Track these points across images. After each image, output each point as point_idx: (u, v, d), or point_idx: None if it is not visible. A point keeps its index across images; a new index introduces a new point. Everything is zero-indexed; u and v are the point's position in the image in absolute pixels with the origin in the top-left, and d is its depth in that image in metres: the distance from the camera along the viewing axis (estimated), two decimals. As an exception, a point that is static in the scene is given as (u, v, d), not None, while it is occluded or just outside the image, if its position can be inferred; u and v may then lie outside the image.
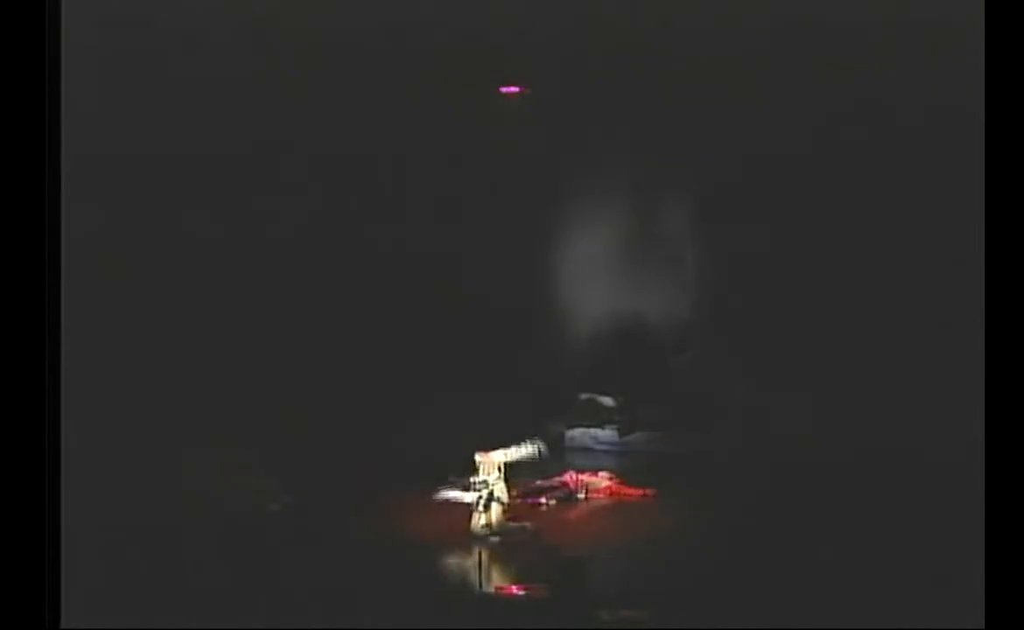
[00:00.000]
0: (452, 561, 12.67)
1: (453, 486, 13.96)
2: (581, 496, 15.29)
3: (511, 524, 13.56)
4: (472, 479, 13.63)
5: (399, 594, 11.31)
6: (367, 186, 18.38)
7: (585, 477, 15.46)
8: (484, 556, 12.71)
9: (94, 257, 15.50)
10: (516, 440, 14.28)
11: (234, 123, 17.48)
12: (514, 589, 11.95)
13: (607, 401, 18.48)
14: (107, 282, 16.20)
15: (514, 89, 18.35)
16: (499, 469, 13.64)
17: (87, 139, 13.61)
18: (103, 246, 16.34)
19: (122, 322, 16.44)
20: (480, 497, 13.48)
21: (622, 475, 15.61)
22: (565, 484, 15.29)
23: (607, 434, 17.94)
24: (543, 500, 14.13)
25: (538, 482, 14.02)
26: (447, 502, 13.86)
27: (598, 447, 17.51)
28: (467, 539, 13.19)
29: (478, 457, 13.73)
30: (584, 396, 18.49)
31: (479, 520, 13.43)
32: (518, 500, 14.07)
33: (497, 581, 12.23)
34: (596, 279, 19.05)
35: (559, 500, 14.86)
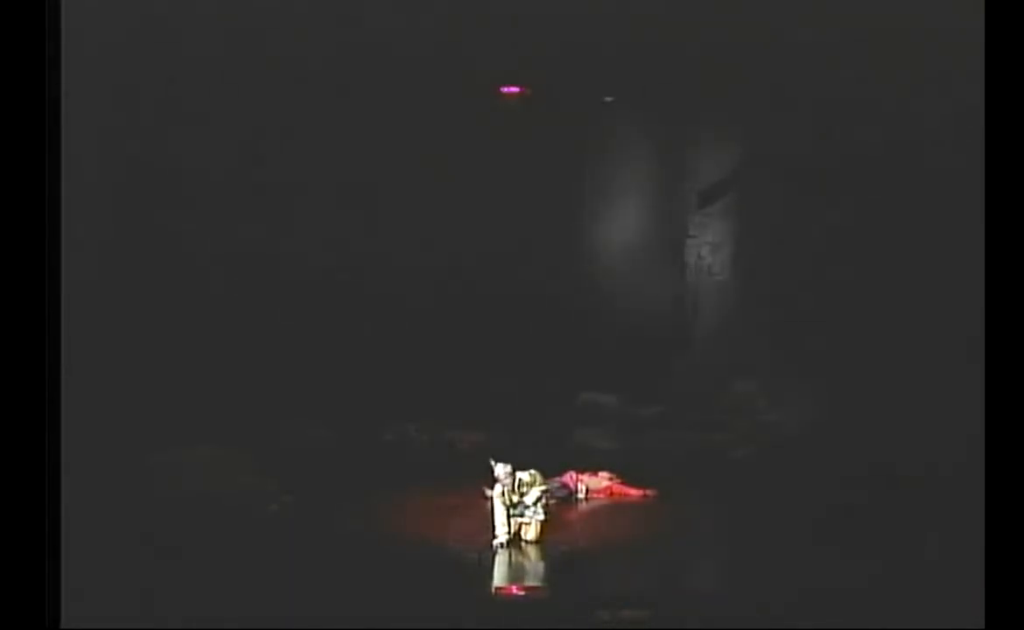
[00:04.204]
0: (453, 562, 12.63)
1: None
2: (581, 496, 15.30)
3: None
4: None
5: (399, 594, 11.31)
6: (366, 185, 18.39)
7: (585, 477, 15.47)
8: (484, 556, 12.71)
9: (93, 258, 15.49)
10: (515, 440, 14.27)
11: (231, 123, 17.48)
12: (514, 589, 11.95)
13: (608, 401, 18.51)
14: (107, 283, 16.20)
15: (514, 89, 18.37)
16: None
17: (87, 140, 13.59)
18: (101, 247, 16.34)
19: (122, 322, 16.44)
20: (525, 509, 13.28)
21: (622, 475, 15.61)
22: (565, 484, 15.29)
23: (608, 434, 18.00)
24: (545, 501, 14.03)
25: (538, 482, 13.96)
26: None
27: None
28: (467, 540, 13.14)
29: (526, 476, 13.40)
30: (584, 396, 18.52)
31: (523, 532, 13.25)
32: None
33: (497, 581, 12.22)
34: (597, 278, 19.09)
35: (559, 500, 14.85)
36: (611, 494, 15.39)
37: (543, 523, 13.23)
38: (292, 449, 16.66)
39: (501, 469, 13.23)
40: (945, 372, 15.72)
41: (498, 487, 13.16)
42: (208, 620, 10.36)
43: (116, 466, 14.43)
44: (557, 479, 15.18)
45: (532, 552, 12.97)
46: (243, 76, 17.26)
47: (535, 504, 13.19)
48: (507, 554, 12.88)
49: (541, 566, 12.64)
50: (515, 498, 13.14)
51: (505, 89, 18.37)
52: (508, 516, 13.09)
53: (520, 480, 13.20)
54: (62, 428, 8.95)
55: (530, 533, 13.16)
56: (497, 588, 12.02)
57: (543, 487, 13.33)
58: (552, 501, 14.32)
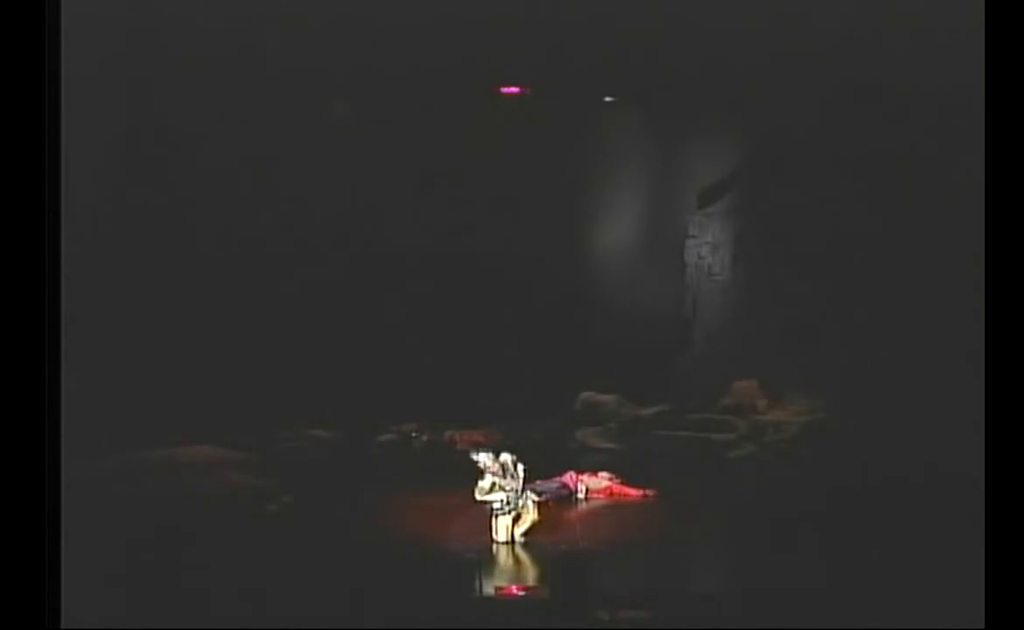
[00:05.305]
0: (452, 562, 12.62)
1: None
2: (581, 496, 15.30)
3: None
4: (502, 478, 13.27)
5: (399, 594, 11.30)
6: (366, 186, 18.40)
7: (585, 477, 15.47)
8: (484, 557, 12.71)
9: (92, 258, 15.47)
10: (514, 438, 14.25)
11: (230, 122, 17.48)
12: (514, 589, 11.94)
13: (608, 401, 18.52)
14: (107, 283, 16.19)
15: (514, 89, 18.37)
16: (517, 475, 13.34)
17: (85, 140, 13.57)
18: (100, 246, 16.32)
19: (122, 322, 16.44)
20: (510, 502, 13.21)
21: (622, 475, 15.61)
22: (565, 484, 15.29)
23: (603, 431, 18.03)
24: (543, 500, 14.05)
25: (538, 482, 13.99)
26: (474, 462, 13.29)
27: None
28: (467, 540, 13.13)
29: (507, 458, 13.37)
30: (584, 396, 18.53)
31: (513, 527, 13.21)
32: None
33: (497, 581, 12.21)
34: (597, 278, 19.09)
35: (559, 500, 14.85)
36: (611, 494, 15.39)
37: (537, 504, 13.26)
38: (292, 449, 16.68)
39: (484, 457, 13.23)
40: (945, 372, 15.72)
41: (488, 479, 13.11)
42: (208, 620, 10.35)
43: (116, 466, 14.42)
44: (557, 479, 15.19)
45: (532, 551, 12.96)
46: (243, 74, 17.24)
47: (526, 486, 13.19)
48: (507, 554, 12.89)
49: (541, 566, 12.63)
50: (510, 481, 13.09)
51: (505, 89, 18.37)
52: (507, 508, 13.08)
53: (505, 462, 13.18)
54: (62, 428, 8.94)
55: (529, 517, 13.16)
56: (497, 588, 12.01)
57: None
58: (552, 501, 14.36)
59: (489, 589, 11.87)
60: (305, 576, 11.74)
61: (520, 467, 13.20)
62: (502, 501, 13.07)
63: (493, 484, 13.11)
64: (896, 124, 16.96)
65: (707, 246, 19.26)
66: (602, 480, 15.50)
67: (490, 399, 17.15)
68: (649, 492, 15.32)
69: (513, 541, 13.06)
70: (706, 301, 19.25)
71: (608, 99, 18.62)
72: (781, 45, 16.66)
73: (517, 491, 13.11)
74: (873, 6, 16.07)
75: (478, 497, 13.14)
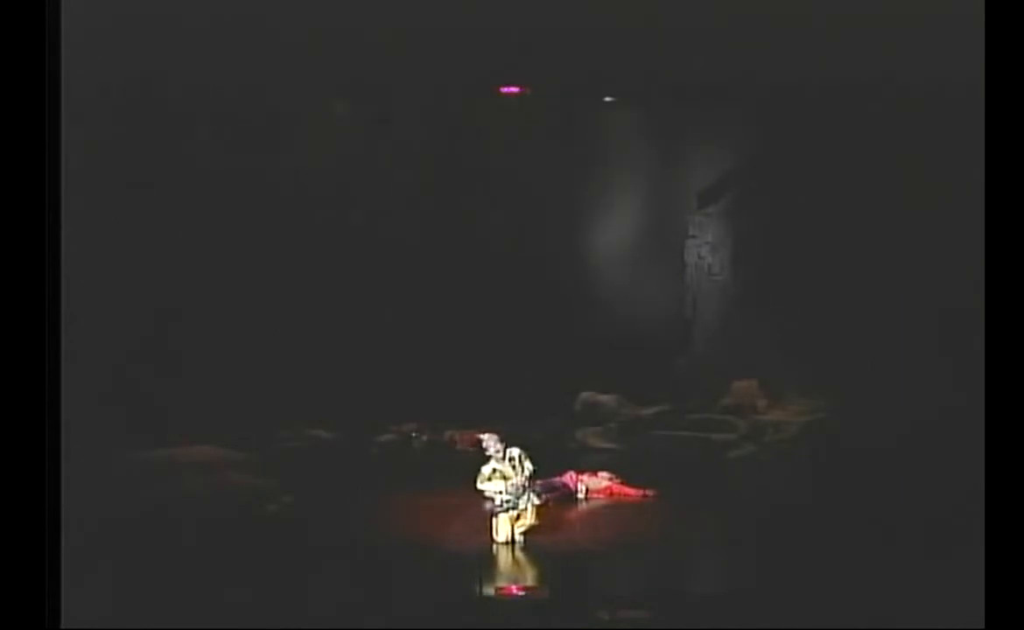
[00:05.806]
0: (452, 562, 12.63)
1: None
2: (581, 496, 15.30)
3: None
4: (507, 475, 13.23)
5: (399, 594, 11.30)
6: (366, 185, 18.40)
7: (585, 477, 15.48)
8: (484, 557, 12.71)
9: (92, 258, 15.45)
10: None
11: (230, 121, 17.47)
12: (514, 589, 11.95)
13: (608, 401, 18.52)
14: (106, 283, 16.17)
15: (514, 89, 18.36)
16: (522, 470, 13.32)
17: (84, 140, 13.55)
18: (100, 246, 16.31)
19: (122, 322, 16.43)
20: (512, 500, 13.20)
21: (622, 475, 15.61)
22: (565, 484, 15.29)
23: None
24: (543, 502, 14.08)
25: (538, 482, 14.01)
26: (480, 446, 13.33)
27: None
28: (467, 540, 13.13)
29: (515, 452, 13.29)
30: (584, 396, 18.53)
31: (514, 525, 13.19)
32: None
33: (497, 582, 12.21)
34: (597, 278, 19.09)
35: (559, 500, 14.85)
36: (611, 494, 15.40)
37: (538, 507, 13.25)
38: (292, 449, 16.68)
39: (489, 437, 13.22)
40: (945, 372, 15.71)
41: (490, 464, 13.10)
42: (208, 620, 10.35)
43: (116, 466, 14.42)
44: (557, 479, 15.19)
45: (532, 551, 12.96)
46: (243, 73, 17.21)
47: (530, 484, 13.17)
48: (507, 554, 12.89)
49: (541, 566, 12.63)
50: (510, 469, 13.07)
51: (505, 89, 18.36)
52: (507, 505, 13.07)
53: (511, 456, 13.16)
54: (62, 429, 8.94)
55: (528, 519, 13.15)
56: (497, 588, 12.02)
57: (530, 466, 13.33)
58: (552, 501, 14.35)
59: (489, 589, 11.88)
60: (305, 576, 11.73)
61: (528, 464, 13.19)
62: (500, 493, 13.05)
63: (494, 470, 13.10)
64: (896, 124, 16.93)
65: (707, 246, 19.26)
66: (602, 480, 15.51)
67: (490, 399, 17.12)
68: (649, 492, 15.33)
69: (513, 541, 13.06)
70: (706, 301, 19.26)
71: (608, 99, 18.61)
72: (781, 45, 16.62)
73: (518, 486, 13.10)
74: (873, 6, 16.03)
75: (478, 485, 13.13)
